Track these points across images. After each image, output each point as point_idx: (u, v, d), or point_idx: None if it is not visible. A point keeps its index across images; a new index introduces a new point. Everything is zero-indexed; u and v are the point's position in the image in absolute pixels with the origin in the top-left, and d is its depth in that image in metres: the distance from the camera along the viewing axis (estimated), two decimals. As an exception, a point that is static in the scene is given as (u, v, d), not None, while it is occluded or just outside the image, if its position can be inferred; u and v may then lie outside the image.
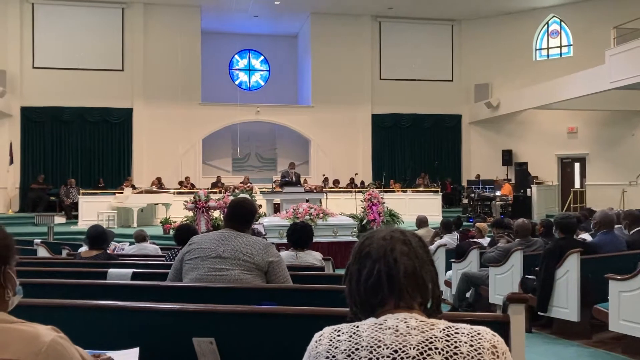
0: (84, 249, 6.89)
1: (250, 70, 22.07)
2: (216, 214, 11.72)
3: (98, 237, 5.18)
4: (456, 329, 1.26)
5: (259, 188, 15.81)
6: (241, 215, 3.44)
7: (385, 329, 1.25)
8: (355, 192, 15.47)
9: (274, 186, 16.48)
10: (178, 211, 13.71)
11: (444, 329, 1.25)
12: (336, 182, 18.31)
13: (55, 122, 17.64)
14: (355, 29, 19.55)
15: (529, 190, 16.79)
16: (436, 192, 16.65)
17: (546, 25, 19.11)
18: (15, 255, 1.57)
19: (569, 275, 5.21)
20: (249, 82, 22.02)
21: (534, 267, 5.83)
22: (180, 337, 2.30)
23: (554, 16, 18.85)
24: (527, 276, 5.87)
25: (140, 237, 6.58)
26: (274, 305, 3.05)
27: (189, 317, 2.34)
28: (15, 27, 17.33)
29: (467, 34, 20.09)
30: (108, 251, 5.75)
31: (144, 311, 2.38)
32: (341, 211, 12.68)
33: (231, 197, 11.47)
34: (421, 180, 18.33)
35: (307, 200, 12.12)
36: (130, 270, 4.16)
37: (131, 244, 7.39)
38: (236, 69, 21.96)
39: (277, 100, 20.17)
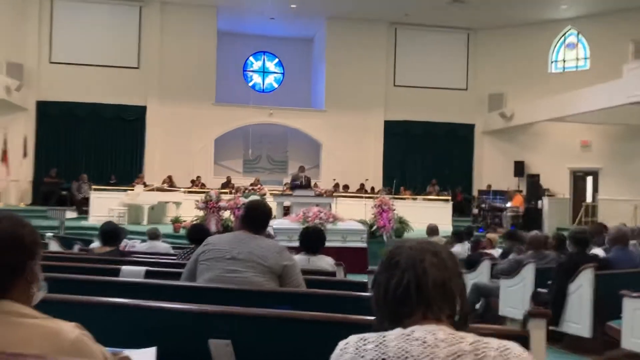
0: (95, 244, 6.93)
1: (264, 72, 22.13)
2: (226, 214, 11.74)
3: (111, 233, 5.20)
4: (485, 343, 1.24)
5: (269, 190, 15.81)
6: (257, 217, 3.45)
7: (413, 340, 1.24)
8: (365, 197, 15.45)
9: (285, 189, 16.49)
10: (188, 210, 13.73)
11: (472, 343, 1.24)
12: (346, 187, 18.28)
13: (70, 117, 17.77)
14: (370, 34, 19.55)
15: (540, 202, 16.68)
16: (447, 200, 16.59)
17: (563, 37, 19.02)
18: (41, 251, 1.58)
19: (582, 291, 5.16)
20: (263, 84, 22.07)
21: (546, 280, 5.78)
22: (195, 337, 2.30)
23: (571, 28, 18.76)
24: (539, 289, 5.82)
25: (154, 235, 6.61)
26: (289, 309, 3.05)
27: (205, 318, 2.33)
28: (34, 22, 17.50)
29: (483, 43, 20.04)
30: (120, 248, 5.77)
31: (161, 310, 2.39)
32: (350, 216, 12.64)
33: (242, 198, 11.49)
34: (432, 188, 18.27)
35: (317, 204, 12.09)
36: (144, 268, 4.17)
37: (142, 241, 7.42)
38: (250, 71, 22.02)
39: (290, 103, 20.19)
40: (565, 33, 18.95)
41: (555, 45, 19.13)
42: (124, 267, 4.18)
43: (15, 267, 1.48)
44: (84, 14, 17.89)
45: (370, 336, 1.31)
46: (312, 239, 4.88)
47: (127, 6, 18.24)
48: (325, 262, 4.89)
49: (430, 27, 19.68)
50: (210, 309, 2.35)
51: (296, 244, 5.29)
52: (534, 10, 17.95)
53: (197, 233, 5.09)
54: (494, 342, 1.25)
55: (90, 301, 2.47)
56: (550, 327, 5.44)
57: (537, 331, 1.89)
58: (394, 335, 1.27)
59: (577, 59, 18.79)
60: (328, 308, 3.06)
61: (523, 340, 1.92)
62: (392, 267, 1.35)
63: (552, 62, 19.18)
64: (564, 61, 19.05)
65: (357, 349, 1.29)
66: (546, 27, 18.88)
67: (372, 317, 2.36)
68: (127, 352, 1.96)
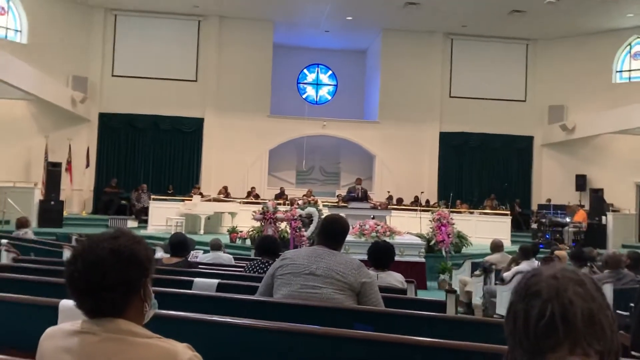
0: (159, 254, 7.02)
1: (317, 84, 22.23)
2: (283, 225, 11.77)
3: (180, 244, 5.25)
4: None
5: (322, 202, 15.78)
6: (336, 233, 3.38)
7: (563, 380, 1.13)
8: (420, 210, 15.20)
9: (338, 201, 16.41)
10: (244, 220, 13.88)
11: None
12: (399, 200, 18.03)
13: (130, 129, 18.31)
14: (426, 45, 19.35)
15: (604, 218, 16.00)
16: (505, 214, 16.12)
17: (629, 47, 18.29)
18: (154, 268, 1.56)
19: (668, 315, 4.84)
20: (316, 96, 22.16)
21: (624, 301, 5.46)
22: (288, 357, 2.25)
23: (637, 37, 18.03)
24: (618, 311, 5.51)
25: (217, 246, 6.64)
26: (370, 329, 2.96)
27: (300, 338, 2.27)
28: (99, 37, 18.16)
29: (543, 53, 19.50)
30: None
31: (253, 329, 2.34)
32: (405, 230, 12.44)
33: (299, 210, 11.49)
34: (489, 202, 17.81)
35: (373, 217, 11.95)
36: (216, 281, 4.17)
37: (205, 252, 7.48)
38: (304, 83, 22.16)
39: (343, 115, 20.17)
40: (631, 42, 18.22)
41: (620, 55, 18.42)
42: (197, 280, 4.19)
43: (132, 284, 1.47)
44: (145, 29, 18.45)
45: (510, 372, 1.20)
46: (381, 254, 4.76)
47: (187, 20, 18.70)
48: (395, 279, 4.76)
49: (488, 37, 19.31)
50: (306, 329, 2.29)
51: (353, 257, 5.19)
52: (598, 19, 17.34)
53: (267, 245, 5.05)
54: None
55: (186, 317, 2.44)
56: (633, 353, 5.13)
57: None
58: (539, 373, 1.16)
59: (644, 69, 18.01)
60: (409, 329, 2.96)
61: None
62: (531, 297, 1.24)
63: (616, 72, 18.46)
64: (630, 71, 18.30)
65: (496, 385, 1.19)
66: (610, 36, 18.20)
67: (460, 341, 2.26)
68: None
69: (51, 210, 14.56)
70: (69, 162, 16.61)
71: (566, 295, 1.21)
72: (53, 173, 15.19)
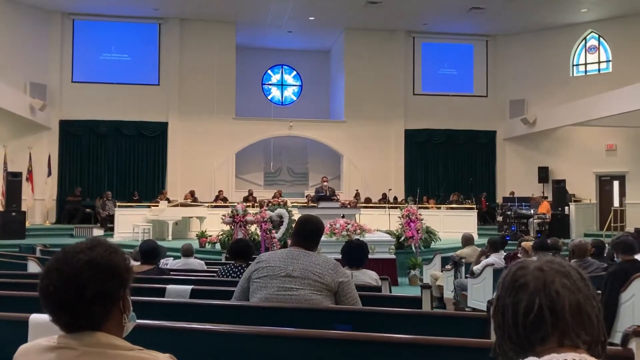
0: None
1: (282, 85, 22.16)
2: (253, 228, 11.68)
3: (151, 251, 5.14)
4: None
5: (291, 202, 15.73)
6: (310, 233, 3.35)
7: (554, 370, 1.14)
8: (389, 207, 15.30)
9: (308, 201, 16.39)
10: (213, 224, 13.72)
11: (620, 372, 1.13)
12: (368, 200, 18.10)
13: (92, 135, 17.92)
14: (389, 44, 19.52)
15: (566, 208, 16.40)
16: (471, 208, 16.37)
17: (584, 41, 18.81)
18: (133, 278, 1.51)
19: (635, 300, 4.99)
20: (282, 97, 22.10)
21: (592, 289, 5.59)
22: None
23: (592, 32, 18.55)
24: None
25: (189, 252, 6.54)
26: (349, 329, 2.95)
27: (279, 341, 2.25)
28: (56, 42, 17.71)
29: (503, 49, 19.89)
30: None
31: (231, 334, 2.30)
32: (374, 227, 12.50)
33: (268, 212, 11.43)
34: (455, 197, 18.05)
35: (343, 216, 11.97)
36: (189, 287, 4.09)
37: (175, 258, 7.36)
38: (269, 84, 22.07)
39: (309, 115, 20.18)
40: (586, 36, 18.74)
41: (576, 49, 18.92)
42: (170, 286, 4.10)
43: (111, 296, 1.41)
44: (104, 33, 18.10)
45: (501, 365, 1.21)
46: (356, 253, 4.77)
47: (147, 23, 18.40)
48: (369, 277, 4.77)
49: (449, 34, 19.60)
50: (286, 332, 2.26)
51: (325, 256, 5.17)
52: (554, 15, 17.78)
53: (240, 248, 4.99)
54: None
55: (155, 326, 2.38)
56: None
57: (643, 351, 1.77)
58: (531, 365, 1.17)
59: (599, 62, 18.55)
60: (387, 326, 2.96)
61: (627, 361, 1.81)
62: (519, 290, 1.24)
63: (573, 65, 18.96)
64: (586, 64, 18.81)
65: (489, 380, 1.19)
66: (566, 31, 18.69)
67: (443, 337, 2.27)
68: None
69: (13, 221, 14.14)
70: (29, 171, 16.16)
71: (553, 288, 1.22)
72: (13, 183, 14.75)
